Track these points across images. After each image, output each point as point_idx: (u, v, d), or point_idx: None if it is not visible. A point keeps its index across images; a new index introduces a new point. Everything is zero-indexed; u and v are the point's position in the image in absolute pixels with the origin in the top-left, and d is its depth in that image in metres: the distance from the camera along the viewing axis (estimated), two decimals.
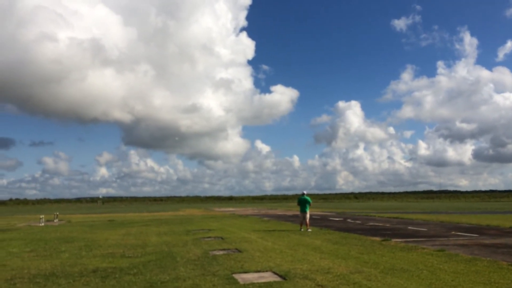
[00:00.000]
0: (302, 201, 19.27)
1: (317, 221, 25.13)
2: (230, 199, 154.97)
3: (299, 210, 19.31)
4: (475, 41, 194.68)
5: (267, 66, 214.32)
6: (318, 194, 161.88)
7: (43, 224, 26.43)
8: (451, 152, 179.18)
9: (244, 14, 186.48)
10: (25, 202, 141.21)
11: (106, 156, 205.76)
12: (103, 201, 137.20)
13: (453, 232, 17.23)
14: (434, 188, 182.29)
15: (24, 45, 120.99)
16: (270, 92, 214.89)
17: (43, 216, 29.42)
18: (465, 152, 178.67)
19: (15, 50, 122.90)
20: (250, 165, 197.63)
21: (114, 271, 9.08)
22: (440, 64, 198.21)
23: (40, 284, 7.85)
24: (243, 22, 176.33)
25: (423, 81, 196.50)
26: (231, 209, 59.53)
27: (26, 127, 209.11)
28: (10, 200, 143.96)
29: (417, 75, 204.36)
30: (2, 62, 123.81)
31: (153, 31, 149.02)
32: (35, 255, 11.76)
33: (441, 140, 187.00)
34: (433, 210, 43.66)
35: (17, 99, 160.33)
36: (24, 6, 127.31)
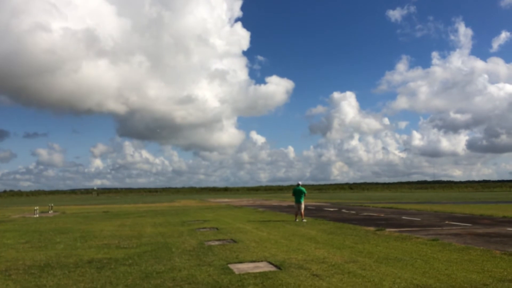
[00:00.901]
0: (297, 192, 19.33)
1: (312, 212, 25.24)
2: (225, 190, 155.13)
3: (294, 200, 19.37)
4: (469, 31, 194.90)
5: (262, 57, 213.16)
6: (313, 185, 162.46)
7: (37, 215, 26.35)
8: (445, 143, 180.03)
9: (239, 4, 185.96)
10: (19, 193, 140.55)
11: (100, 148, 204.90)
12: (98, 193, 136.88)
13: (446, 222, 17.37)
14: (428, 179, 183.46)
15: (18, 36, 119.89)
16: (265, 83, 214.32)
17: (37, 207, 29.33)
18: (459, 142, 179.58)
19: (8, 41, 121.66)
20: (245, 156, 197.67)
21: (109, 262, 9.08)
22: (435, 54, 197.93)
23: (35, 275, 7.84)
24: (238, 13, 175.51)
25: (418, 71, 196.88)
26: (226, 200, 59.62)
27: (20, 119, 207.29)
28: (4, 191, 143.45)
29: (412, 65, 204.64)
30: None
31: (147, 21, 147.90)
32: (30, 246, 11.74)
33: (435, 130, 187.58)
34: (427, 200, 43.95)
35: (10, 90, 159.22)
36: None
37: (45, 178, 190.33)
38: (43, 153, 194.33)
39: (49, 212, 30.41)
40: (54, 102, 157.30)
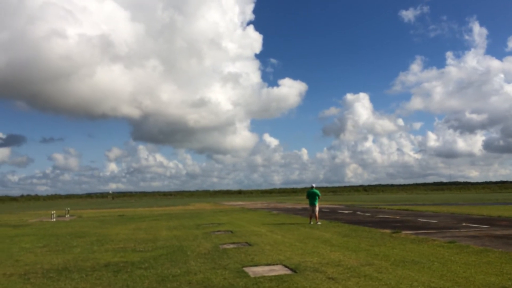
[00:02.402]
0: (311, 194, 19.27)
1: (326, 214, 25.12)
2: (239, 193, 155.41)
3: (308, 203, 19.31)
4: (484, 31, 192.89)
5: (275, 60, 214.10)
6: (327, 187, 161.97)
7: (54, 219, 26.71)
8: (461, 143, 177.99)
9: (251, 7, 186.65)
10: (36, 198, 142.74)
11: (115, 152, 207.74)
12: (113, 196, 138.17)
13: (463, 224, 17.14)
14: (444, 180, 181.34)
15: (34, 42, 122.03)
16: (278, 85, 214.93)
17: (54, 211, 29.71)
18: (475, 143, 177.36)
19: (24, 47, 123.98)
20: (258, 159, 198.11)
21: (125, 265, 9.16)
22: (449, 54, 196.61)
23: (53, 278, 7.95)
24: (250, 16, 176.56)
25: (433, 72, 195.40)
26: (240, 203, 59.68)
27: (37, 124, 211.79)
28: (22, 196, 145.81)
29: (426, 66, 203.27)
30: (12, 59, 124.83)
31: (160, 26, 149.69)
32: (47, 250, 11.90)
33: (450, 131, 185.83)
34: (443, 202, 43.42)
35: (27, 96, 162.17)
36: (34, 3, 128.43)
37: (61, 183, 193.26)
38: (59, 157, 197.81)
39: (66, 216, 30.79)
40: (69, 107, 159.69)
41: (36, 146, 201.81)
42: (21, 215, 36.52)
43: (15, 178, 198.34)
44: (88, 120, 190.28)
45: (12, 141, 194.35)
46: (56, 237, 15.57)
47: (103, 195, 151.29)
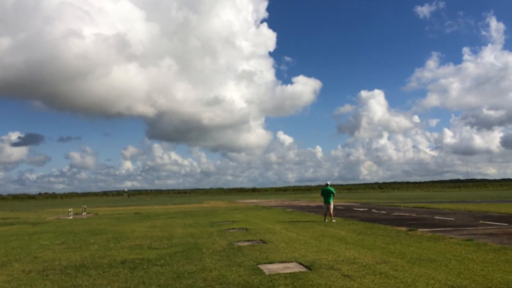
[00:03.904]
0: (325, 192, 19.19)
1: (341, 212, 25.01)
2: (253, 191, 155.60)
3: (323, 201, 19.24)
4: (501, 26, 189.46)
5: (289, 57, 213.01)
6: (341, 185, 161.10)
7: (71, 217, 27.09)
8: (478, 140, 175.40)
9: (264, 5, 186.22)
10: (53, 196, 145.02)
11: (131, 150, 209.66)
12: (129, 194, 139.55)
13: (481, 221, 16.90)
14: (461, 177, 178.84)
15: (51, 42, 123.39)
16: (292, 83, 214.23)
17: (71, 209, 30.15)
18: (493, 139, 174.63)
19: (42, 47, 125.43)
20: (273, 157, 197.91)
21: (142, 262, 9.25)
22: (466, 50, 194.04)
23: (71, 275, 8.07)
24: (263, 14, 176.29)
25: (449, 68, 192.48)
26: (254, 200, 59.77)
27: (54, 123, 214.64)
28: (39, 194, 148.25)
29: (442, 62, 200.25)
30: (29, 59, 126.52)
31: (175, 26, 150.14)
32: (65, 247, 12.08)
33: (467, 128, 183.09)
34: (460, 199, 42.87)
35: (44, 95, 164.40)
36: (50, 3, 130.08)
37: (78, 181, 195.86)
38: (76, 156, 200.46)
39: (83, 213, 31.20)
40: (86, 106, 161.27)
41: (54, 145, 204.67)
42: (39, 212, 37.14)
43: (33, 176, 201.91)
44: (104, 119, 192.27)
45: (30, 140, 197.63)
46: (74, 234, 15.80)
47: (118, 193, 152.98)
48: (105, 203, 69.22)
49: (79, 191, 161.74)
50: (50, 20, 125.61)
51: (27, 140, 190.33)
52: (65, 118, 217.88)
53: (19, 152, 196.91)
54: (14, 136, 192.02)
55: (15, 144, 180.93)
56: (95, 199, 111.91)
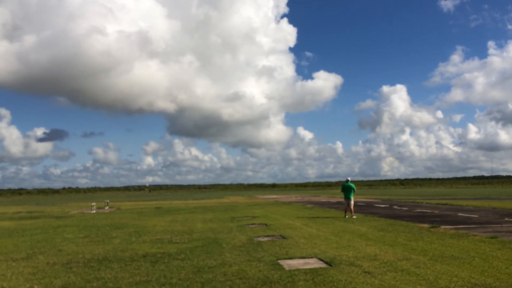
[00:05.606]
0: (346, 188, 19.06)
1: (362, 208, 24.79)
2: (273, 187, 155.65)
3: (343, 197, 19.11)
4: None
5: (310, 53, 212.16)
6: (362, 181, 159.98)
7: (94, 211, 27.58)
8: (504, 136, 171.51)
9: (285, 0, 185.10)
10: (77, 190, 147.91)
11: (152, 146, 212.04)
12: (150, 189, 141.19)
13: (506, 219, 16.52)
14: (486, 174, 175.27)
15: (75, 39, 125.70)
16: (312, 78, 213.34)
17: (94, 203, 30.66)
18: None
19: (66, 44, 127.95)
20: (293, 152, 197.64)
21: (163, 256, 9.36)
22: (491, 44, 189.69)
23: (94, 268, 8.22)
24: (284, 9, 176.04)
25: (474, 62, 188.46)
26: (274, 196, 59.75)
27: (78, 119, 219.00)
28: (63, 188, 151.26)
29: (467, 56, 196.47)
30: (54, 56, 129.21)
31: (195, 22, 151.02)
32: (88, 241, 12.31)
33: (492, 123, 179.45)
34: (484, 196, 41.99)
35: (69, 92, 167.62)
36: (74, 1, 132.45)
37: (101, 176, 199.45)
38: (99, 151, 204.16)
39: (105, 208, 31.72)
40: (108, 102, 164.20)
41: (78, 140, 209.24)
42: (63, 206, 37.93)
43: (57, 171, 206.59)
44: (126, 115, 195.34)
45: (55, 135, 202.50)
46: (96, 228, 16.08)
47: (140, 188, 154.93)
48: (127, 197, 70.22)
49: (101, 185, 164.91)
50: (73, 17, 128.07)
51: (51, 136, 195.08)
52: (88, 114, 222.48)
53: (44, 148, 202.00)
54: (39, 131, 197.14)
55: (40, 140, 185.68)
56: (117, 194, 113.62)
